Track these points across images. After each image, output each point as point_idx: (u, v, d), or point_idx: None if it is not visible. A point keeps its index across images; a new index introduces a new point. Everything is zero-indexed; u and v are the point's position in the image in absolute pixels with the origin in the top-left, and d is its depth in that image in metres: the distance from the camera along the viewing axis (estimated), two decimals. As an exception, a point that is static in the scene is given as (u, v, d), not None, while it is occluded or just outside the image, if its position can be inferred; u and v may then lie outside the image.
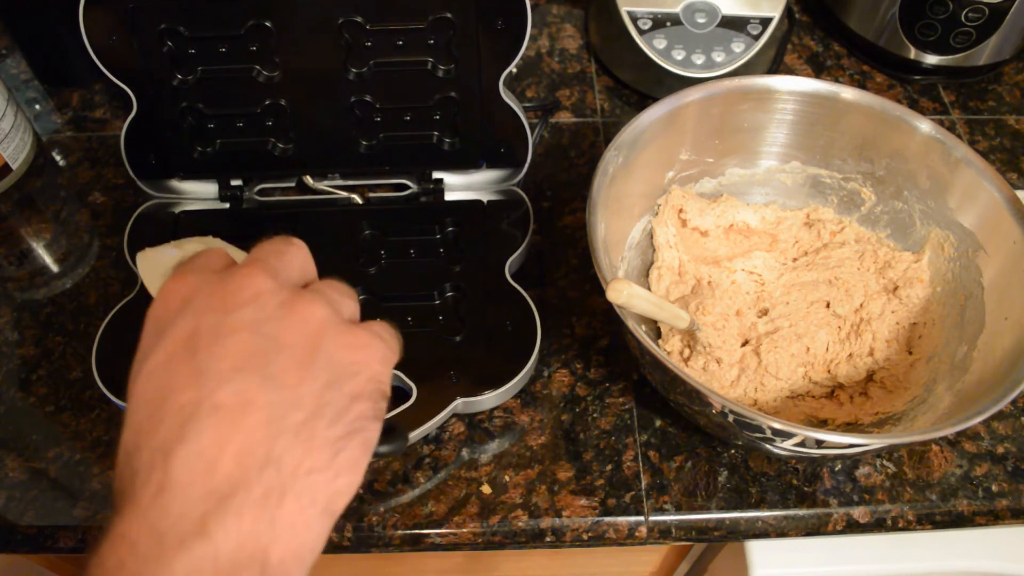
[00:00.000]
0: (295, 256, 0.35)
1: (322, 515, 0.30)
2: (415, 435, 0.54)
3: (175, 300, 0.32)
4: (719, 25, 0.74)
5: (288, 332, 0.31)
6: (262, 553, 0.28)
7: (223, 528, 0.27)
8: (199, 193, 0.66)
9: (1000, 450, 0.58)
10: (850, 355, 0.58)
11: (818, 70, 0.82)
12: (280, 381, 0.30)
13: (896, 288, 0.59)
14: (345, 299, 0.35)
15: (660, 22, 0.74)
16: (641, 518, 0.54)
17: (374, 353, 0.33)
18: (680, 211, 0.62)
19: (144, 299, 0.59)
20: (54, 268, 0.66)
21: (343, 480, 0.31)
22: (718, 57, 0.73)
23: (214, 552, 0.27)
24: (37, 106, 0.77)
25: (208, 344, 0.30)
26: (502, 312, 0.59)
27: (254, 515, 0.28)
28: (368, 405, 0.32)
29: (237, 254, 0.58)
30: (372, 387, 0.33)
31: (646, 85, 0.78)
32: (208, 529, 0.27)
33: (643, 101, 0.78)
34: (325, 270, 0.61)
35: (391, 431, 0.34)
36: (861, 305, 0.59)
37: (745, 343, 0.59)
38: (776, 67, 0.80)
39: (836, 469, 0.56)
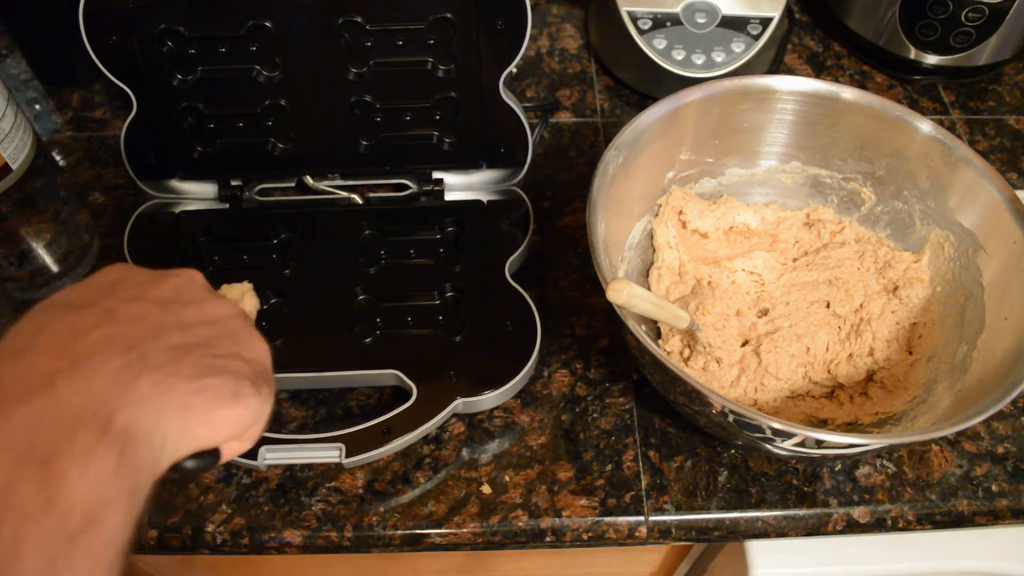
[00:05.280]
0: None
1: (174, 414, 0.31)
2: (415, 435, 0.54)
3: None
4: (719, 25, 0.74)
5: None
6: (106, 414, 0.28)
7: (71, 385, 0.28)
8: (199, 193, 0.66)
9: (1000, 450, 0.58)
10: (850, 355, 0.58)
11: (818, 70, 0.82)
12: (178, 310, 0.34)
13: (896, 288, 0.59)
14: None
15: (660, 22, 0.74)
16: (641, 518, 0.54)
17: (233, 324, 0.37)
18: (680, 213, 0.62)
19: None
20: (54, 268, 0.66)
21: (202, 399, 0.32)
22: (718, 57, 0.73)
23: (56, 406, 0.28)
24: (37, 106, 0.77)
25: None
26: (502, 312, 0.59)
27: (106, 383, 0.29)
28: (239, 364, 0.35)
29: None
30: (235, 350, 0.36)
31: (646, 85, 0.78)
32: (55, 385, 0.28)
33: (643, 101, 0.78)
34: (325, 270, 0.62)
35: (207, 453, 0.35)
36: (861, 305, 0.59)
37: (745, 343, 0.59)
38: (776, 67, 0.80)
39: (836, 469, 0.56)
